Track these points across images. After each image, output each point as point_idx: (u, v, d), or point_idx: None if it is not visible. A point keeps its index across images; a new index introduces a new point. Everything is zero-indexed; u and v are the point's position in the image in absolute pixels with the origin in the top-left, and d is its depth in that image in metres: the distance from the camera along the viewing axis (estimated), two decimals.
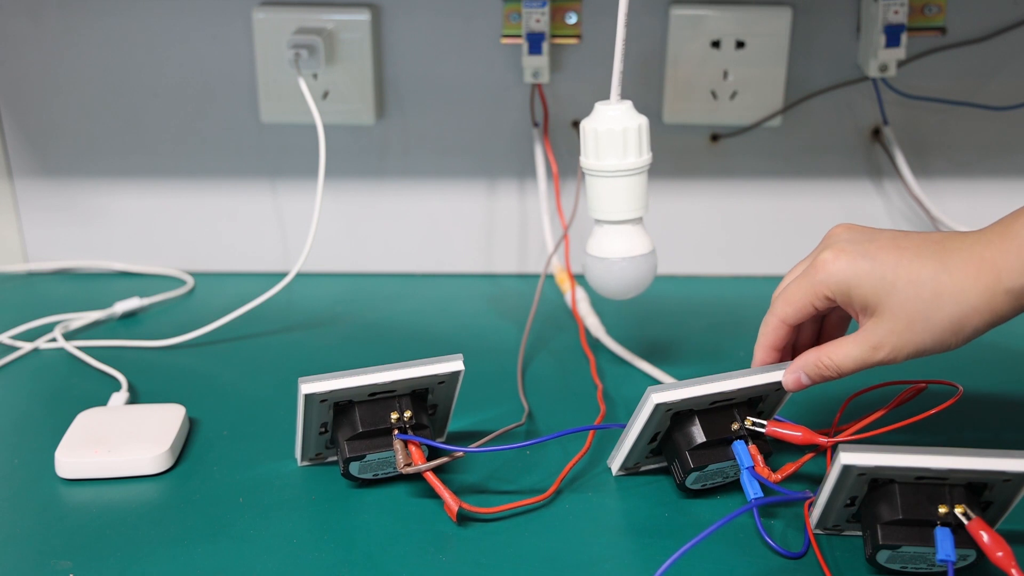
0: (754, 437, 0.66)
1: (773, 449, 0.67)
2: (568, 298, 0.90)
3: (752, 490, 0.63)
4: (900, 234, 0.62)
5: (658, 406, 0.63)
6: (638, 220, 0.76)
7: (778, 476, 0.65)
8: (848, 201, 0.98)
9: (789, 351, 0.67)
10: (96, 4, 0.94)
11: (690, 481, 0.66)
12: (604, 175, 0.75)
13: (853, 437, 0.65)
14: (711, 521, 0.65)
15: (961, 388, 0.66)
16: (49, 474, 0.70)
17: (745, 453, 0.65)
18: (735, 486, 0.67)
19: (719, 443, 0.65)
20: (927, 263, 0.59)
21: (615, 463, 0.69)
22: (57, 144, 0.99)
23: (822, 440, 0.65)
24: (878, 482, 0.58)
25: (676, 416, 0.66)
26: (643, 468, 0.69)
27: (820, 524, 0.62)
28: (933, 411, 0.64)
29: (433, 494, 0.67)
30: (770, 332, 0.66)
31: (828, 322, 0.68)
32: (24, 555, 0.62)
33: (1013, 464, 0.56)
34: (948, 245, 0.60)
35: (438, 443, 0.68)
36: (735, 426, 0.66)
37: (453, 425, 0.74)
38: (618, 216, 0.76)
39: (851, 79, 0.94)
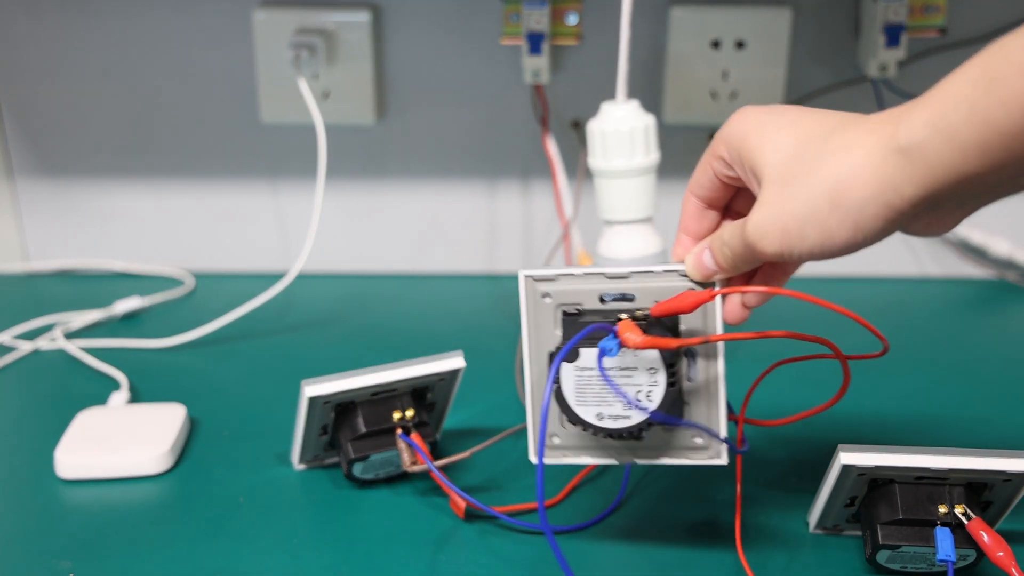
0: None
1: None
2: None
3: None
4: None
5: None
6: (648, 219, 0.76)
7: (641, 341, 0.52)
8: None
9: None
10: (96, 4, 0.94)
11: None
12: (612, 175, 0.75)
13: (738, 290, 0.55)
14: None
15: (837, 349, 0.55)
16: (49, 474, 0.70)
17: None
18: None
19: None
20: (830, 122, 0.49)
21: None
22: (58, 144, 0.99)
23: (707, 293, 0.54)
24: (878, 482, 0.58)
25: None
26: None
27: (820, 524, 0.62)
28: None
29: (432, 494, 0.67)
30: (683, 210, 0.57)
31: None
32: (24, 555, 0.62)
33: (1013, 464, 0.56)
34: (868, 115, 0.49)
35: (437, 469, 0.68)
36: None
37: (452, 423, 0.75)
38: (627, 216, 0.75)
39: (851, 79, 0.94)
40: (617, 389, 0.51)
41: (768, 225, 0.49)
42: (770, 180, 0.49)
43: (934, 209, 0.47)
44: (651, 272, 0.56)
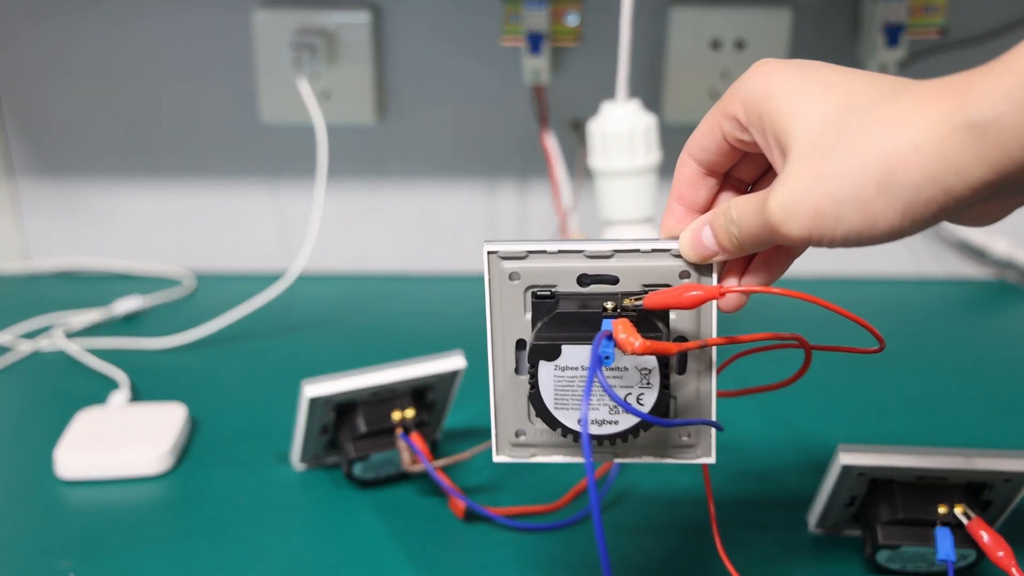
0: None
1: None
2: None
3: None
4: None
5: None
6: (648, 220, 0.76)
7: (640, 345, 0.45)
8: None
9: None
10: (96, 5, 0.94)
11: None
12: (613, 176, 0.75)
13: (748, 289, 0.48)
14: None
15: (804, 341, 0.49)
16: (49, 474, 0.70)
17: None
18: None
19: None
20: (876, 88, 0.42)
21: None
22: (58, 144, 0.99)
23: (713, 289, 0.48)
24: (878, 482, 0.58)
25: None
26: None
27: (820, 524, 0.62)
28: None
29: (432, 495, 0.67)
30: (678, 175, 0.49)
31: None
32: (24, 555, 0.62)
33: (1013, 464, 0.56)
34: (920, 80, 0.41)
35: (435, 471, 0.68)
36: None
37: (452, 423, 0.74)
38: (628, 216, 0.76)
39: None
40: (615, 397, 0.46)
41: (797, 205, 0.42)
42: (801, 152, 0.42)
43: (997, 196, 0.40)
44: (637, 251, 0.48)
